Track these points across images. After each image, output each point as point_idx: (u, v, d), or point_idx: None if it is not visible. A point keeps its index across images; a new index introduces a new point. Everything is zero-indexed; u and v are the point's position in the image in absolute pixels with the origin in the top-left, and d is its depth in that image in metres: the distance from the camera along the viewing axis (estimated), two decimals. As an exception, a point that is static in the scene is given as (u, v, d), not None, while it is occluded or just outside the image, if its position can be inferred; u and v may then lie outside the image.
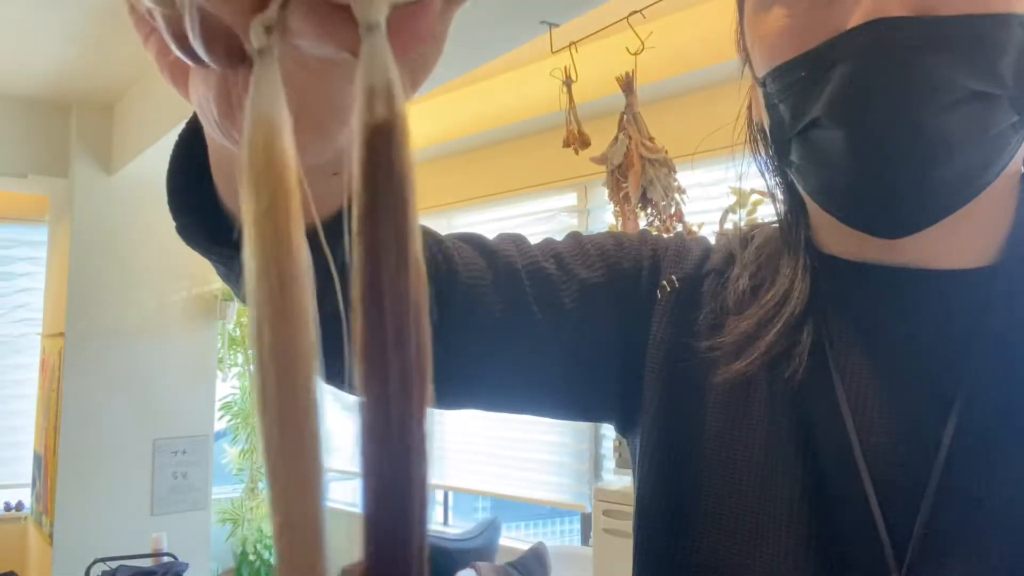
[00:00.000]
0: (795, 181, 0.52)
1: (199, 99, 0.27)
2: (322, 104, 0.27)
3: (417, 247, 0.20)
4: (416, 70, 0.26)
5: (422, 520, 0.19)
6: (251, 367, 0.20)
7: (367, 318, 0.19)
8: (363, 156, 0.19)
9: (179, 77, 0.28)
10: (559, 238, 0.62)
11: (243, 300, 0.23)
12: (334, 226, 0.38)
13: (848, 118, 0.45)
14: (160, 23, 0.23)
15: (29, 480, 4.22)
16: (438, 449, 3.85)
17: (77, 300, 3.59)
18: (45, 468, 3.78)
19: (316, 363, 0.20)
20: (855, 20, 0.44)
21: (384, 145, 0.19)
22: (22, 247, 4.63)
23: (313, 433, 0.19)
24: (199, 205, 0.40)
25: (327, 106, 0.27)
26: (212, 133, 0.29)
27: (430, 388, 0.19)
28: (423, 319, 0.19)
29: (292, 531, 0.19)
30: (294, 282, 0.19)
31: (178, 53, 0.24)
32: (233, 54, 0.23)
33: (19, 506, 4.40)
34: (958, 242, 0.49)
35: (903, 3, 0.43)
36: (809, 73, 0.46)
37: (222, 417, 4.28)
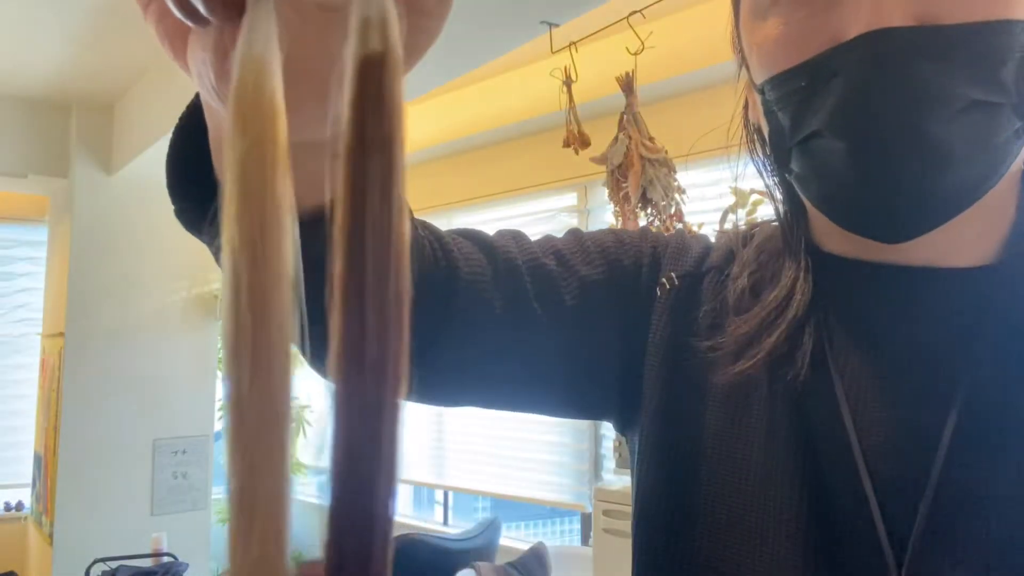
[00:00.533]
0: (796, 188, 0.52)
1: (197, 65, 0.27)
2: (319, 57, 0.26)
3: (402, 185, 0.19)
4: (420, 33, 0.26)
5: (387, 513, 0.18)
6: (221, 313, 0.18)
7: (347, 256, 0.18)
8: (354, 87, 0.19)
9: (178, 45, 0.28)
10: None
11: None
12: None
13: (850, 131, 0.44)
14: None
15: (29, 480, 4.21)
16: (439, 449, 3.85)
17: (77, 300, 3.59)
18: (45, 468, 3.78)
19: (293, 310, 0.19)
20: (855, 30, 0.43)
21: (376, 76, 0.19)
22: (22, 247, 4.63)
23: (284, 385, 0.18)
24: (198, 189, 0.40)
25: (324, 59, 0.26)
26: (210, 101, 0.29)
27: (408, 339, 0.19)
28: (404, 261, 0.19)
29: (254, 495, 0.18)
30: (275, 225, 0.18)
31: (177, 12, 0.24)
32: (231, 5, 0.23)
33: (19, 506, 4.40)
34: (959, 241, 0.49)
35: (903, 12, 0.42)
36: (809, 83, 0.46)
37: (222, 417, 4.28)
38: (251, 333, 0.18)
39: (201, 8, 0.23)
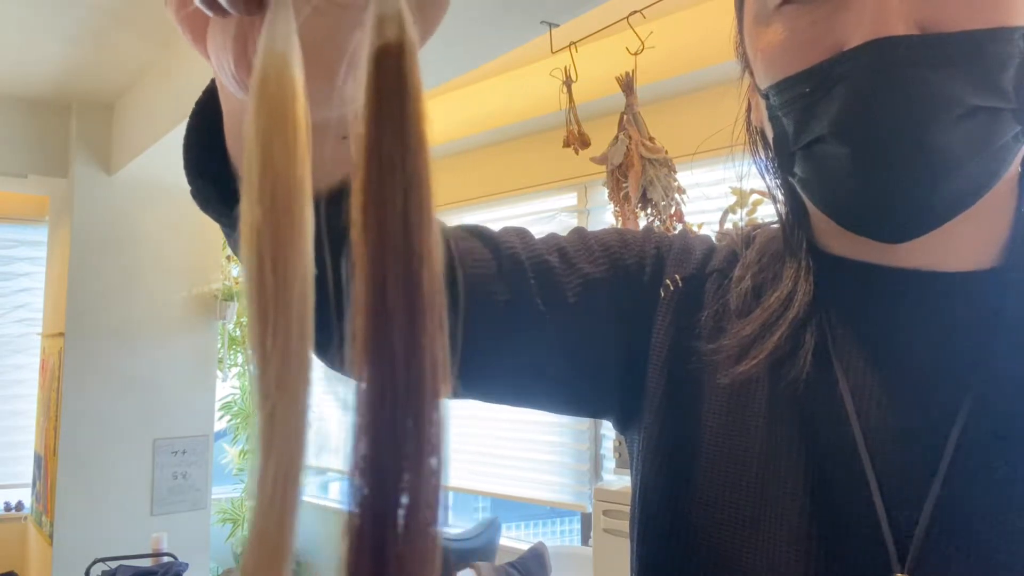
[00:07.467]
0: (799, 191, 0.52)
1: (216, 51, 0.28)
2: (332, 47, 0.28)
3: (428, 167, 0.19)
4: (427, 8, 0.27)
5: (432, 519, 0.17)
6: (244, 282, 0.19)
7: (369, 245, 0.18)
8: (370, 75, 0.19)
9: (198, 31, 0.29)
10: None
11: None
12: (339, 199, 0.38)
13: (853, 137, 0.45)
14: None
15: (29, 480, 4.22)
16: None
17: (77, 300, 3.59)
18: (45, 468, 3.78)
19: (312, 289, 0.19)
20: (858, 38, 0.44)
21: (394, 64, 0.19)
22: (22, 247, 4.63)
23: (306, 350, 0.18)
24: (213, 169, 0.41)
25: (337, 50, 0.28)
26: (228, 86, 0.30)
27: (443, 329, 0.18)
28: (434, 250, 0.18)
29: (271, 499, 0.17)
30: (298, 202, 0.19)
31: (198, 3, 0.25)
32: (252, 0, 0.24)
33: (19, 506, 4.40)
34: (960, 244, 0.49)
35: (906, 20, 0.43)
36: (813, 89, 0.46)
37: (222, 417, 4.28)
38: (274, 296, 0.18)
39: (223, 1, 0.24)
